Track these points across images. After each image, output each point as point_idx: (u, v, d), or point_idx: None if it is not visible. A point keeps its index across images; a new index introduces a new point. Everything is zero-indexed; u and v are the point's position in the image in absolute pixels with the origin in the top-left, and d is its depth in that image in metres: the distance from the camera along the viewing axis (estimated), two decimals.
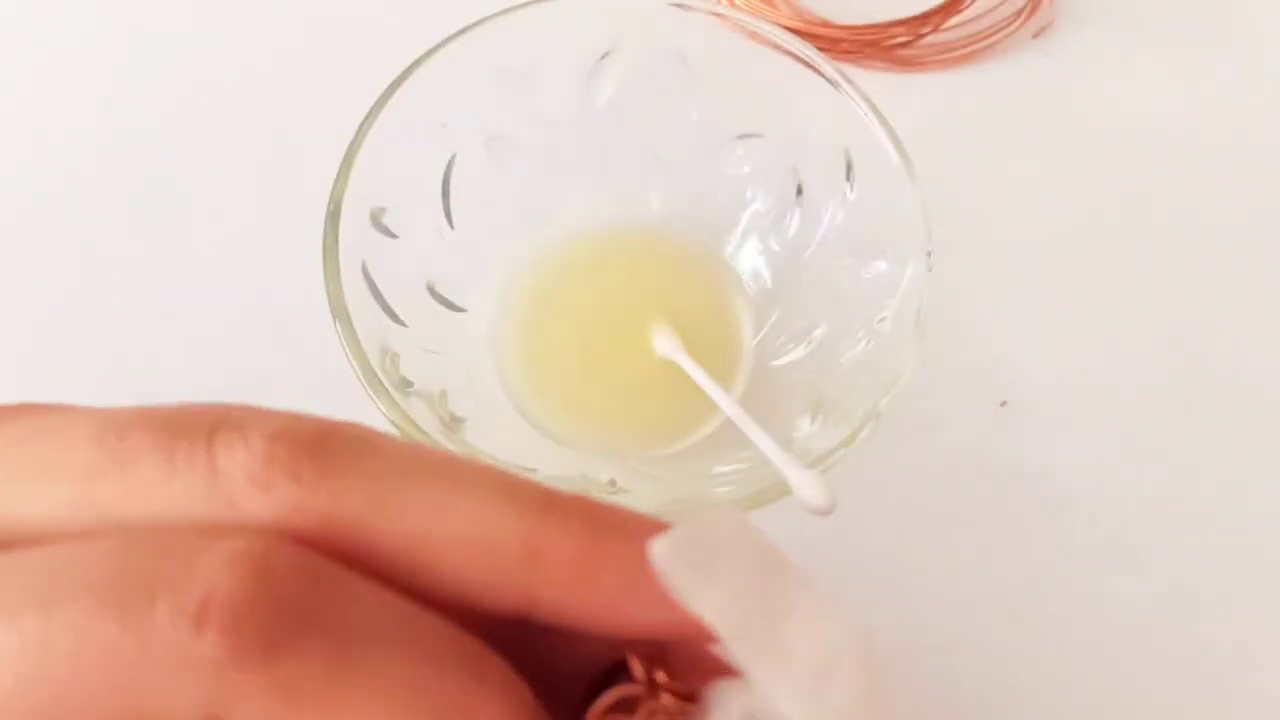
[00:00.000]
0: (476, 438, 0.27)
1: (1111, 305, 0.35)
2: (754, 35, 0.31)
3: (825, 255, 0.31)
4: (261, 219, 0.35)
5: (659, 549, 0.13)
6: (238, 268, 0.34)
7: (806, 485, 0.24)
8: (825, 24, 0.39)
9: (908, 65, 0.40)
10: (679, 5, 0.30)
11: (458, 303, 0.31)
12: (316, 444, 0.13)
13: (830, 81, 0.29)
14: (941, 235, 0.27)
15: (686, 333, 0.30)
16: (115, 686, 0.12)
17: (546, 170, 0.32)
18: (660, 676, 0.14)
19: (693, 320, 0.31)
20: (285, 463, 0.13)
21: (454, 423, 0.28)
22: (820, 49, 0.30)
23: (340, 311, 0.26)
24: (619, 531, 0.14)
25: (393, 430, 0.25)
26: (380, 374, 0.25)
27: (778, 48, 0.30)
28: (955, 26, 0.40)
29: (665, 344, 0.30)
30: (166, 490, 0.13)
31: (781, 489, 0.24)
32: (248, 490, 0.13)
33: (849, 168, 0.30)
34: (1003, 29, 0.40)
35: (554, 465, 0.28)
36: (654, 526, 0.14)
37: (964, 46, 0.40)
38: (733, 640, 0.13)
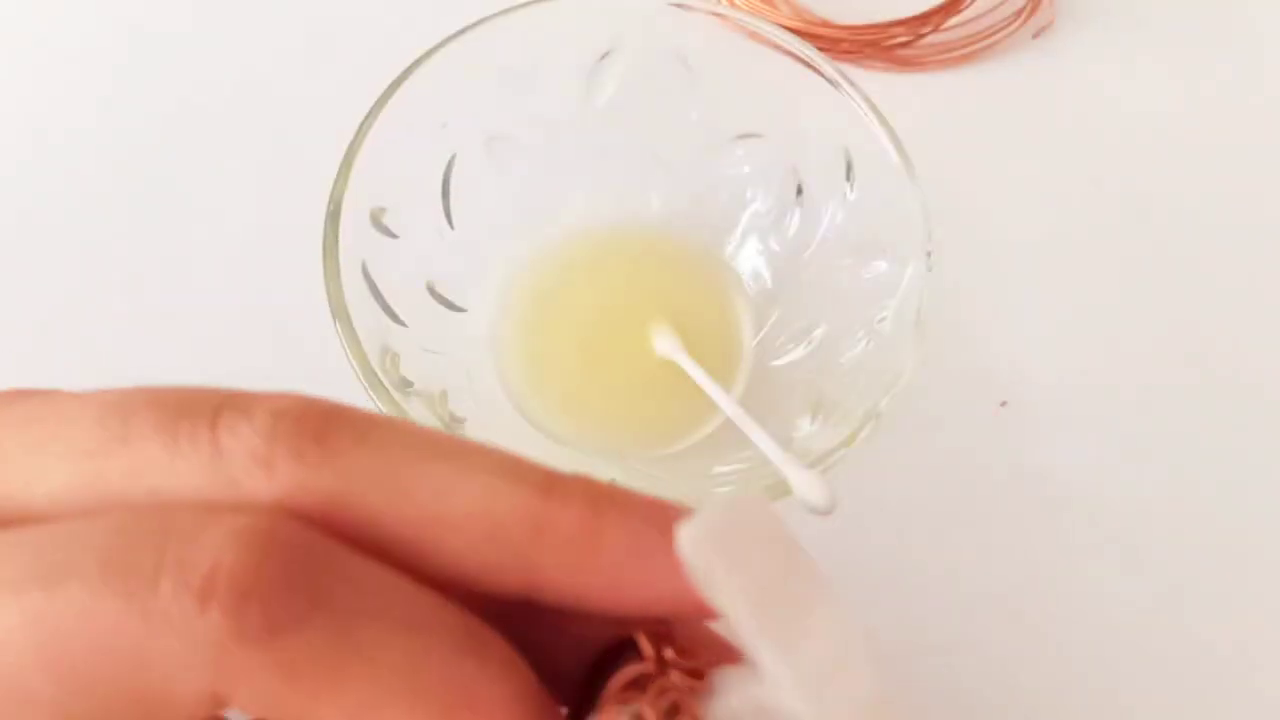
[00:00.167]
0: (476, 438, 0.27)
1: (1111, 305, 0.35)
2: (754, 35, 0.31)
3: (825, 255, 0.31)
4: (261, 219, 0.35)
5: (686, 534, 0.13)
6: (238, 268, 0.34)
7: (806, 485, 0.24)
8: (825, 24, 0.39)
9: (908, 65, 0.40)
10: (679, 5, 0.30)
11: (458, 303, 0.31)
12: (320, 423, 0.13)
13: (830, 81, 0.29)
14: (941, 235, 0.27)
15: (686, 333, 0.30)
16: (119, 662, 0.12)
17: (546, 170, 0.32)
18: (669, 654, 0.14)
19: (693, 320, 0.31)
20: (289, 441, 0.13)
21: (454, 423, 0.28)
22: (820, 49, 0.30)
23: (340, 311, 0.26)
24: (622, 508, 0.14)
25: None
26: (380, 374, 0.25)
27: (778, 48, 0.30)
28: (955, 26, 0.40)
29: (665, 344, 0.30)
30: (170, 469, 0.13)
31: (781, 489, 0.24)
32: (251, 469, 0.13)
33: (849, 168, 0.30)
34: (1003, 29, 0.40)
35: (554, 465, 0.28)
36: (657, 506, 0.14)
37: (964, 46, 0.40)
38: (749, 632, 0.13)
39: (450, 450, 0.14)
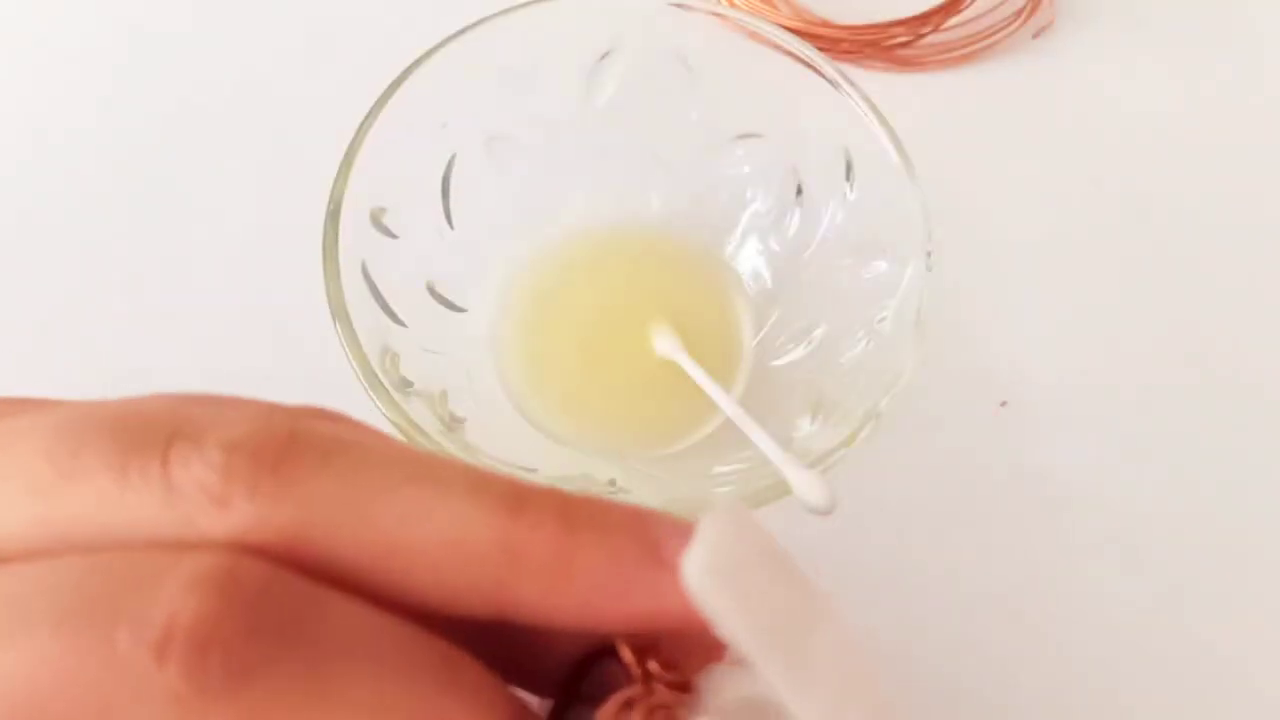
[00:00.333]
0: (476, 438, 0.27)
1: (1111, 305, 0.35)
2: (754, 35, 0.31)
3: (825, 255, 0.31)
4: (261, 219, 0.35)
5: (692, 568, 0.13)
6: (238, 268, 0.34)
7: (806, 485, 0.24)
8: (825, 24, 0.39)
9: (908, 65, 0.40)
10: (679, 5, 0.30)
11: (458, 303, 0.31)
12: (277, 453, 0.13)
13: (830, 81, 0.29)
14: (941, 235, 0.27)
15: (686, 333, 0.30)
16: (75, 715, 0.11)
17: (546, 170, 0.32)
18: (653, 667, 0.13)
19: (693, 320, 0.31)
20: (243, 477, 0.13)
21: (454, 423, 0.28)
22: (820, 49, 0.30)
23: (340, 312, 0.26)
24: (595, 527, 0.13)
25: (392, 430, 0.25)
26: (380, 374, 0.25)
27: (778, 48, 0.30)
28: (955, 26, 0.40)
29: (665, 344, 0.30)
30: (122, 509, 0.13)
31: (781, 489, 0.24)
32: (205, 508, 0.12)
33: (849, 168, 0.30)
34: (1003, 29, 0.40)
35: (554, 465, 0.28)
36: (633, 520, 0.14)
37: (964, 46, 0.40)
38: (758, 657, 0.13)
39: (416, 472, 0.13)
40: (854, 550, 0.31)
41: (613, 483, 0.28)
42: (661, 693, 0.13)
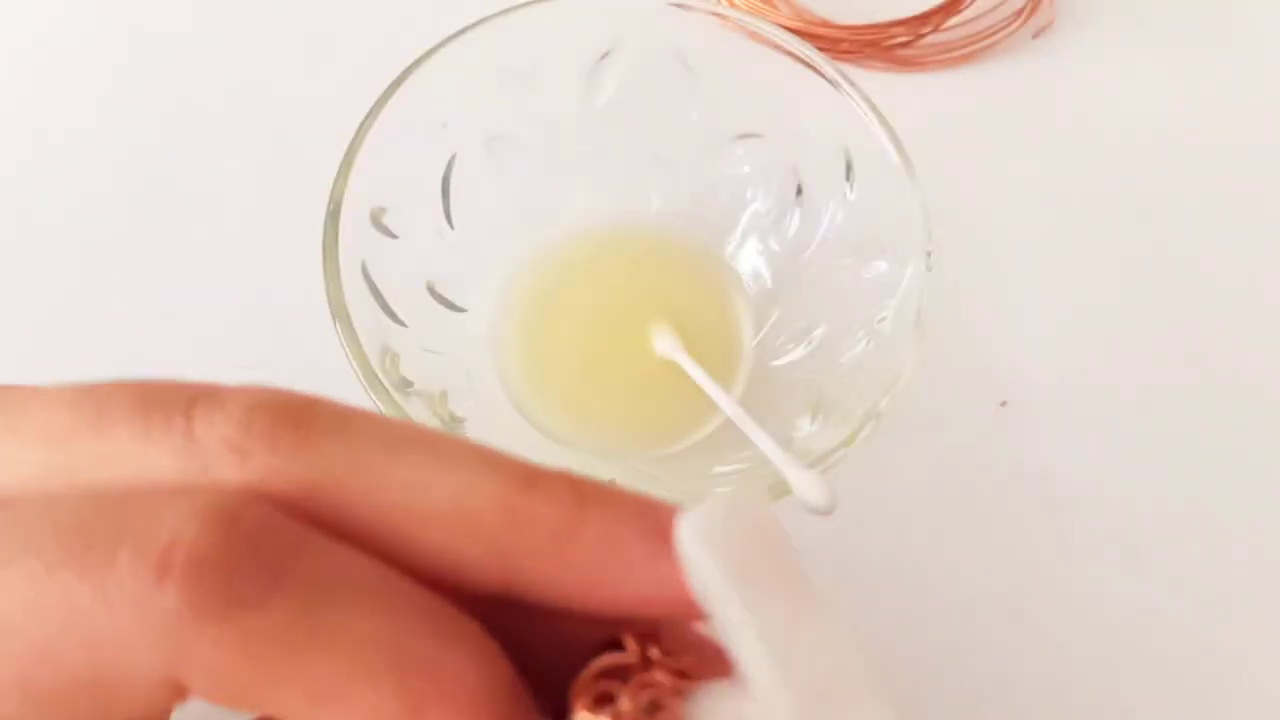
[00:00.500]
0: (477, 438, 0.27)
1: (1111, 305, 0.35)
2: (754, 35, 0.31)
3: (825, 255, 0.31)
4: (261, 219, 0.35)
5: (687, 528, 0.13)
6: (238, 268, 0.34)
7: (806, 485, 0.24)
8: (825, 24, 0.39)
9: (908, 65, 0.40)
10: (679, 5, 0.30)
11: (458, 303, 0.31)
12: (296, 414, 0.13)
13: (830, 81, 0.29)
14: (941, 235, 0.27)
15: (686, 333, 0.30)
16: (74, 638, 0.11)
17: (546, 170, 0.32)
18: (654, 653, 0.13)
19: (693, 320, 0.31)
20: (263, 431, 0.13)
21: (454, 423, 0.28)
22: (820, 49, 0.30)
23: (340, 312, 0.26)
24: (603, 505, 0.13)
25: None
26: (380, 374, 0.25)
27: (778, 48, 0.30)
28: (955, 26, 0.40)
29: (665, 344, 0.30)
30: (141, 455, 0.13)
31: (781, 489, 0.24)
32: (224, 457, 0.13)
33: (849, 168, 0.30)
34: (1003, 29, 0.40)
35: (554, 465, 0.28)
36: (641, 503, 0.14)
37: (964, 46, 0.40)
38: (742, 638, 0.12)
39: (429, 443, 0.13)
40: (854, 550, 0.31)
41: (612, 483, 0.28)
42: (658, 673, 0.13)
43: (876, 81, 0.39)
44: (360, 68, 0.29)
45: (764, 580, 0.13)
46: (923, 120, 0.35)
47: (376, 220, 0.28)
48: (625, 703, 0.13)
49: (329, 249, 0.26)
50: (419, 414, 0.26)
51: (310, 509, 0.13)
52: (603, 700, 0.13)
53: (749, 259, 0.33)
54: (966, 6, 0.40)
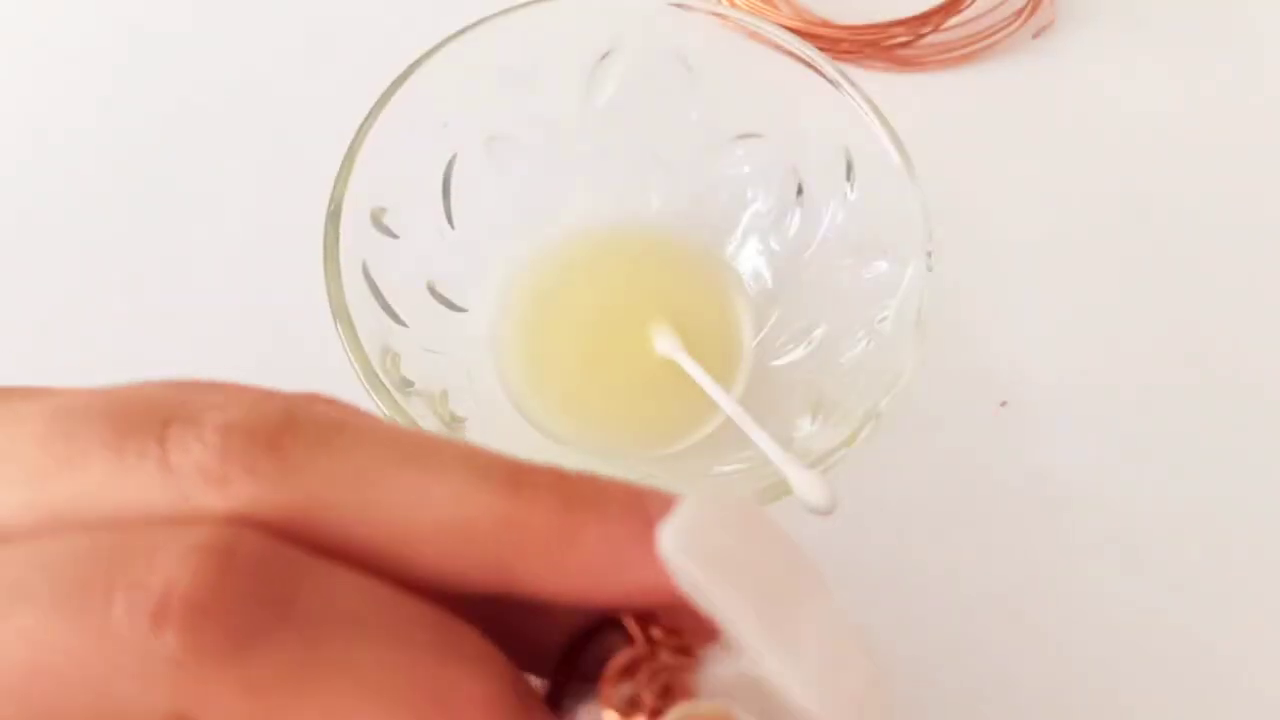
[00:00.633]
0: (477, 437, 0.27)
1: (1111, 305, 0.35)
2: (754, 35, 0.31)
3: (825, 255, 0.31)
4: (261, 219, 0.35)
5: (667, 539, 0.13)
6: (238, 268, 0.34)
7: (807, 485, 0.24)
8: (825, 24, 0.39)
9: (908, 65, 0.40)
10: (679, 5, 0.30)
11: (458, 303, 0.31)
12: (274, 434, 0.13)
13: (830, 81, 0.29)
14: (941, 235, 0.27)
15: (686, 333, 0.30)
16: (75, 688, 0.11)
17: (546, 170, 0.32)
18: (656, 633, 0.14)
19: (693, 320, 0.31)
20: (241, 457, 0.12)
21: (454, 422, 0.28)
22: (820, 49, 0.30)
23: (341, 312, 0.26)
24: (593, 501, 0.13)
25: None
26: (381, 374, 0.25)
27: (778, 48, 0.30)
28: (955, 26, 0.40)
29: (665, 344, 0.30)
30: (119, 488, 0.13)
31: (782, 489, 0.24)
32: (203, 487, 0.12)
33: (849, 168, 0.30)
34: (1003, 29, 0.40)
35: (543, 462, 0.28)
36: (632, 497, 0.14)
37: (964, 46, 0.40)
38: (742, 634, 0.13)
39: (415, 452, 0.13)
40: (854, 550, 0.31)
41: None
42: (665, 656, 0.13)
43: (876, 81, 0.39)
44: (360, 68, 0.29)
45: (751, 572, 0.13)
46: (923, 120, 0.35)
47: (377, 220, 0.28)
48: (646, 697, 0.13)
49: (329, 249, 0.26)
50: (419, 414, 0.26)
51: (297, 533, 0.13)
52: (629, 707, 0.13)
53: (749, 259, 0.33)
54: (966, 6, 0.40)
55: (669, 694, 0.13)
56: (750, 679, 0.13)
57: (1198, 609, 0.31)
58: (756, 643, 0.13)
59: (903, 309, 0.28)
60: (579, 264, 0.33)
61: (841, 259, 0.30)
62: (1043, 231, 0.37)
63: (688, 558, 0.13)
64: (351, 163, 0.27)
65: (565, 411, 0.31)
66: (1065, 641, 0.30)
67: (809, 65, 0.30)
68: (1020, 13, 0.40)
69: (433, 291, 0.30)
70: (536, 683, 0.15)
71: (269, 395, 0.13)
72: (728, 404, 0.28)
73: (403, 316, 0.28)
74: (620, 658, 0.13)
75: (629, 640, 0.14)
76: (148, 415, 0.13)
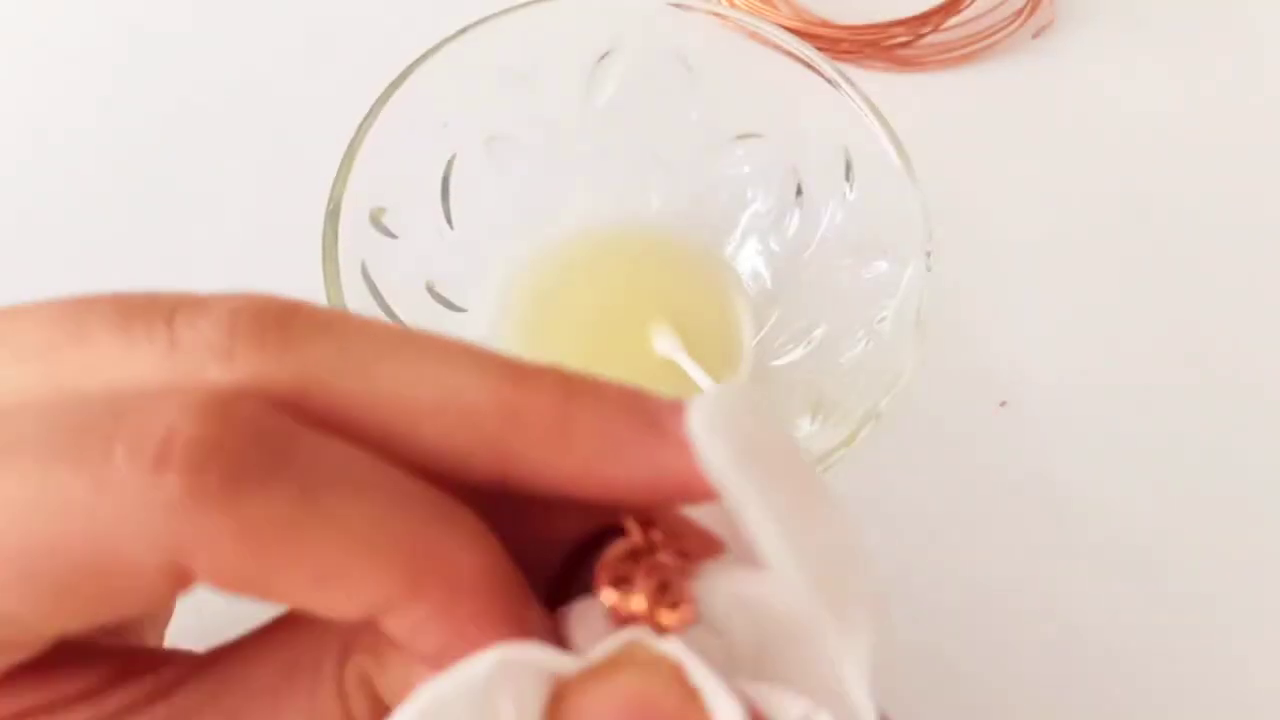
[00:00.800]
0: None
1: (1111, 305, 0.35)
2: (754, 35, 0.31)
3: (825, 255, 0.31)
4: (261, 219, 0.35)
5: (697, 415, 0.13)
6: (238, 268, 0.34)
7: None
8: (825, 24, 0.39)
9: (908, 65, 0.40)
10: (679, 5, 0.30)
11: (458, 303, 0.31)
12: (281, 315, 0.13)
13: (830, 81, 0.29)
14: (941, 235, 0.27)
15: (686, 333, 0.30)
16: (74, 532, 0.11)
17: (546, 170, 0.32)
18: (656, 535, 0.14)
19: (693, 320, 0.31)
20: (248, 332, 0.13)
21: None
22: (820, 49, 0.30)
23: None
24: (594, 394, 0.13)
25: None
26: None
27: (778, 48, 0.30)
28: (955, 26, 0.40)
29: (665, 344, 0.30)
30: (124, 362, 0.13)
31: None
32: (208, 361, 0.13)
33: (849, 168, 0.30)
34: (1003, 29, 0.40)
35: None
36: (631, 391, 0.14)
37: (964, 46, 0.40)
38: (756, 520, 0.13)
39: (418, 340, 0.13)
40: None
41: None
42: (664, 557, 0.13)
43: (876, 81, 0.39)
44: (360, 68, 0.29)
45: (772, 463, 0.13)
46: (923, 120, 0.35)
47: (376, 220, 0.28)
48: (639, 583, 0.13)
49: (329, 249, 0.26)
50: None
51: (301, 407, 0.13)
52: (620, 583, 0.13)
53: (749, 259, 0.33)
54: (966, 6, 0.40)
55: (665, 590, 0.13)
56: (744, 600, 0.13)
57: (1198, 609, 0.31)
58: (770, 531, 0.13)
59: (902, 309, 0.28)
60: (579, 264, 0.33)
61: (841, 259, 0.30)
62: (1043, 231, 0.37)
63: (715, 436, 0.13)
64: (351, 162, 0.27)
65: None
66: (1065, 641, 0.30)
67: (808, 65, 0.30)
68: (1020, 13, 0.40)
69: (432, 292, 0.30)
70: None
71: (269, 294, 0.14)
72: None
73: (402, 317, 0.28)
74: (619, 545, 0.13)
75: (629, 540, 0.14)
76: (156, 302, 0.13)
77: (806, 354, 0.31)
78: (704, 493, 0.13)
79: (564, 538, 0.15)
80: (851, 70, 0.36)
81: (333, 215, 0.26)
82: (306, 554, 0.12)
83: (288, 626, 0.14)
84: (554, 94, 0.31)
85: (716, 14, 0.31)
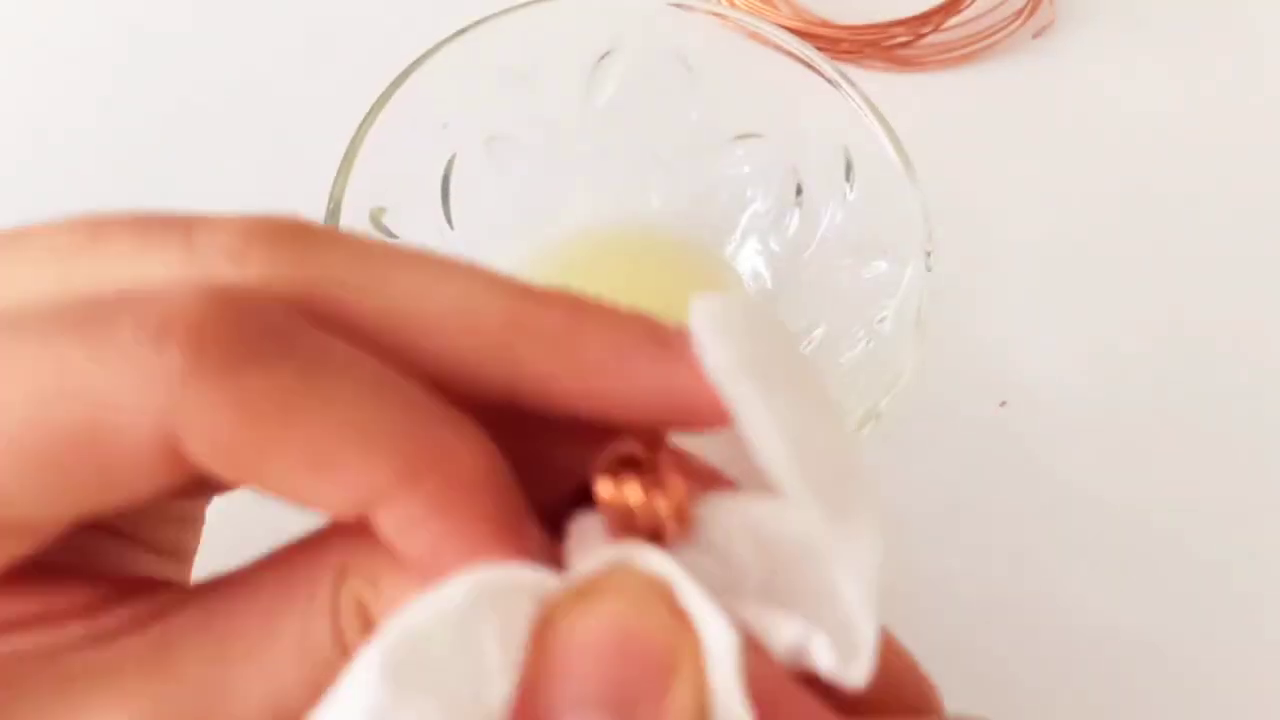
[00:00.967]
0: None
1: (1112, 305, 0.35)
2: (754, 35, 0.31)
3: (825, 255, 0.31)
4: None
5: (701, 314, 0.13)
6: None
7: None
8: (825, 24, 0.39)
9: (908, 65, 0.40)
10: (679, 5, 0.30)
11: None
12: (296, 228, 0.13)
13: (830, 81, 0.29)
14: (941, 235, 0.27)
15: None
16: (67, 397, 0.11)
17: (546, 170, 0.32)
18: (663, 456, 0.13)
19: None
20: (264, 239, 0.13)
21: None
22: (820, 49, 0.30)
23: None
24: (600, 309, 0.13)
25: None
26: None
27: (778, 48, 0.30)
28: (955, 26, 0.40)
29: None
30: (139, 264, 0.13)
31: None
32: (222, 262, 0.13)
33: (849, 168, 0.30)
34: (1003, 29, 0.40)
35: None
36: (637, 313, 0.14)
37: (964, 46, 0.40)
38: (763, 427, 0.12)
39: (431, 257, 0.13)
40: None
41: None
42: (666, 471, 0.13)
43: (876, 81, 0.39)
44: (360, 68, 0.29)
45: (777, 366, 0.13)
46: (923, 120, 0.35)
47: (376, 220, 0.28)
48: (639, 480, 0.13)
49: None
50: None
51: (312, 312, 0.13)
52: (619, 475, 0.13)
53: (749, 259, 0.33)
54: (966, 6, 0.40)
55: (663, 488, 0.13)
56: (748, 525, 0.13)
57: (1198, 610, 0.31)
58: (772, 433, 0.12)
59: (902, 309, 0.28)
60: (579, 264, 0.33)
61: (841, 259, 0.30)
62: (1043, 231, 0.37)
63: (720, 337, 0.13)
64: (351, 162, 0.27)
65: None
66: (1065, 641, 0.30)
67: (808, 65, 0.30)
68: (1020, 13, 0.40)
69: None
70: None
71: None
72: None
73: None
74: (620, 445, 0.13)
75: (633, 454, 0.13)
76: (175, 216, 0.14)
77: (807, 354, 0.31)
78: (712, 415, 0.13)
79: (573, 470, 0.14)
80: (851, 70, 0.36)
81: (333, 215, 0.26)
82: (301, 434, 0.12)
83: (284, 554, 0.14)
84: (554, 94, 0.31)
85: (716, 14, 0.31)
